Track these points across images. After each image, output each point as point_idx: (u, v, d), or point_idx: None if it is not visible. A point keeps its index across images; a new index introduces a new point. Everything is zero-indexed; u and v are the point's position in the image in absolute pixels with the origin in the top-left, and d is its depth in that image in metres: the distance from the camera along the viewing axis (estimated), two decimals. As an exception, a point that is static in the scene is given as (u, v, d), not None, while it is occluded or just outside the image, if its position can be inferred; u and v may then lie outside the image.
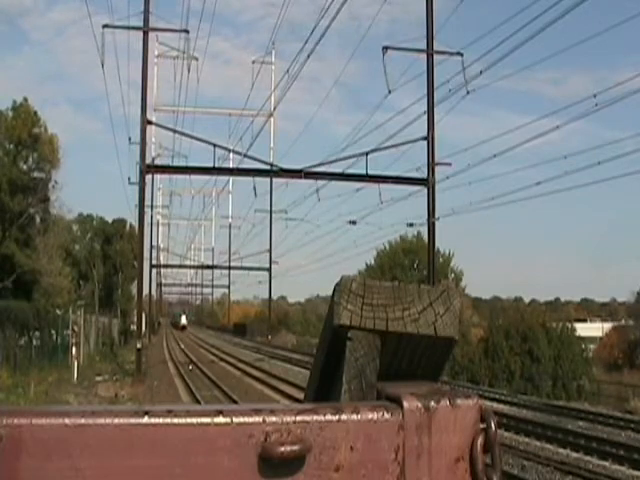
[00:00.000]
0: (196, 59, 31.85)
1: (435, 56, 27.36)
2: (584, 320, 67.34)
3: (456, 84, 25.51)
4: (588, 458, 14.78)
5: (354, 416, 0.96)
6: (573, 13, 18.55)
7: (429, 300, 1.12)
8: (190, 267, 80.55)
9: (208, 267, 73.10)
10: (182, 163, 31.49)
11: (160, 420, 0.90)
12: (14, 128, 39.33)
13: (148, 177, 30.27)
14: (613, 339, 55.89)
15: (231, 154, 30.28)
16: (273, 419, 0.93)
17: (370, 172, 27.31)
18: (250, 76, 40.33)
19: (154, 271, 70.60)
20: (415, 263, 52.58)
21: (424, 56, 27.41)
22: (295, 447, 0.91)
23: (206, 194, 58.89)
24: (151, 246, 64.21)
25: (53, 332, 31.21)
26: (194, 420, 0.91)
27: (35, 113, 40.92)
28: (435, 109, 27.23)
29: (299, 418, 0.94)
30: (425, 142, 27.26)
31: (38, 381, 22.49)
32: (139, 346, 28.32)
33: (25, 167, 40.96)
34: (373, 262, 55.10)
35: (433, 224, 27.54)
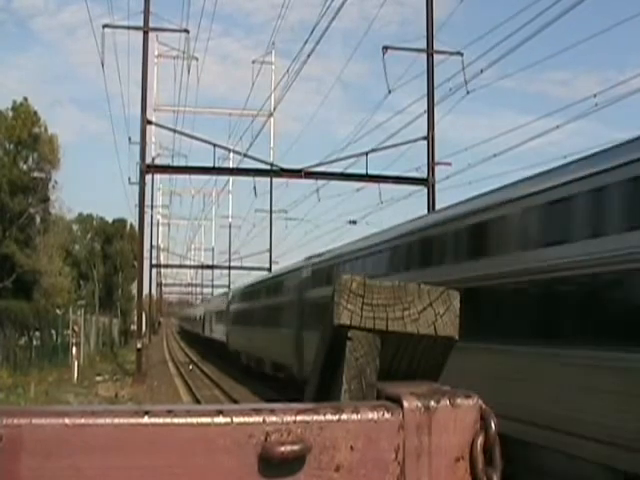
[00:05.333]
0: (196, 59, 31.73)
1: (435, 56, 27.33)
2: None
3: (457, 84, 25.49)
4: (588, 458, 14.75)
5: (354, 416, 0.96)
6: (578, 13, 18.51)
7: (429, 300, 1.12)
8: (190, 267, 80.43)
9: (208, 267, 72.91)
10: (182, 163, 31.45)
11: (160, 420, 0.90)
12: (14, 128, 39.33)
13: (148, 177, 30.22)
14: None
15: (231, 154, 30.21)
16: (273, 419, 0.93)
17: (370, 172, 27.25)
18: (253, 76, 40.17)
19: (154, 271, 70.46)
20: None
21: (425, 56, 27.38)
22: (295, 447, 0.91)
23: (206, 194, 58.72)
24: (151, 246, 63.98)
25: (53, 332, 31.18)
26: (194, 420, 0.91)
27: (35, 113, 40.94)
28: (435, 109, 27.22)
29: (299, 418, 0.94)
30: (425, 142, 27.22)
31: (38, 381, 22.46)
32: (139, 346, 28.26)
33: (25, 167, 40.98)
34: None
35: (433, 224, 27.48)
